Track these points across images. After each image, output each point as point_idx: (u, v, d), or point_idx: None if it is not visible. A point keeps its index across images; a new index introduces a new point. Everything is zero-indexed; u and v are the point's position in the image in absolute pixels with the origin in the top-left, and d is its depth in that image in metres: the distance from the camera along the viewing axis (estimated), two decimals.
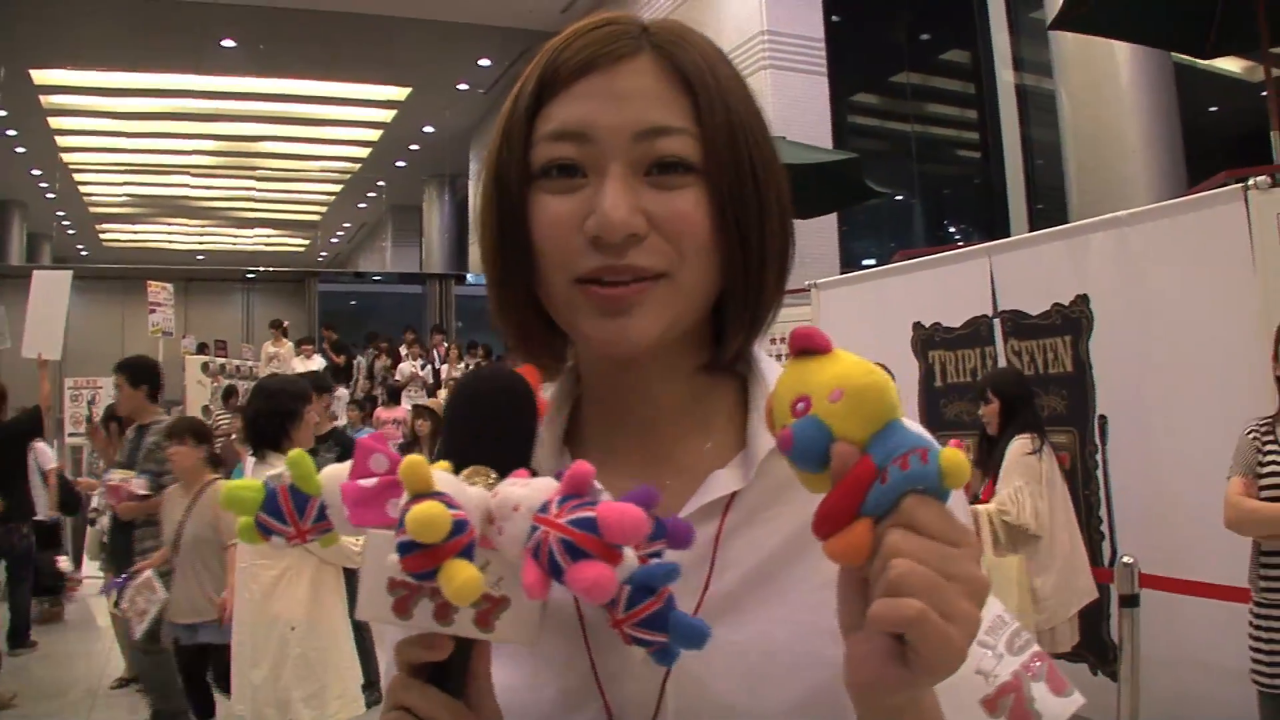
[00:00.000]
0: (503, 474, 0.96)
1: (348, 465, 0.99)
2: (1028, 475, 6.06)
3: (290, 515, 1.01)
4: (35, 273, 14.80)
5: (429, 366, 21.77)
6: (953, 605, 0.84)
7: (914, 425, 0.91)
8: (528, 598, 0.90)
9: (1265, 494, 4.91)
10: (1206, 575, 5.97)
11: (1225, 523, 5.05)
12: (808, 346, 0.93)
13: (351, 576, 5.48)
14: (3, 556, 10.95)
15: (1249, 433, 5.08)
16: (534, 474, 0.96)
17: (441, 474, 0.92)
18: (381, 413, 17.26)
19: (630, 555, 0.88)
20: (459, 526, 0.87)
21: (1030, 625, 5.94)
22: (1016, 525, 6.03)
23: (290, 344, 21.31)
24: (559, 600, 1.03)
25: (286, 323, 21.94)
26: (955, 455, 0.86)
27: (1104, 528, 6.81)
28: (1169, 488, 6.46)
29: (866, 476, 0.87)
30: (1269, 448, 4.96)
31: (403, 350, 23.07)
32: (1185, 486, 6.33)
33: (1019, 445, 6.17)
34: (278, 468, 5.33)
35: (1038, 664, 1.17)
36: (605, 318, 1.11)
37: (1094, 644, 6.72)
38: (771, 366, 1.26)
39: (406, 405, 19.06)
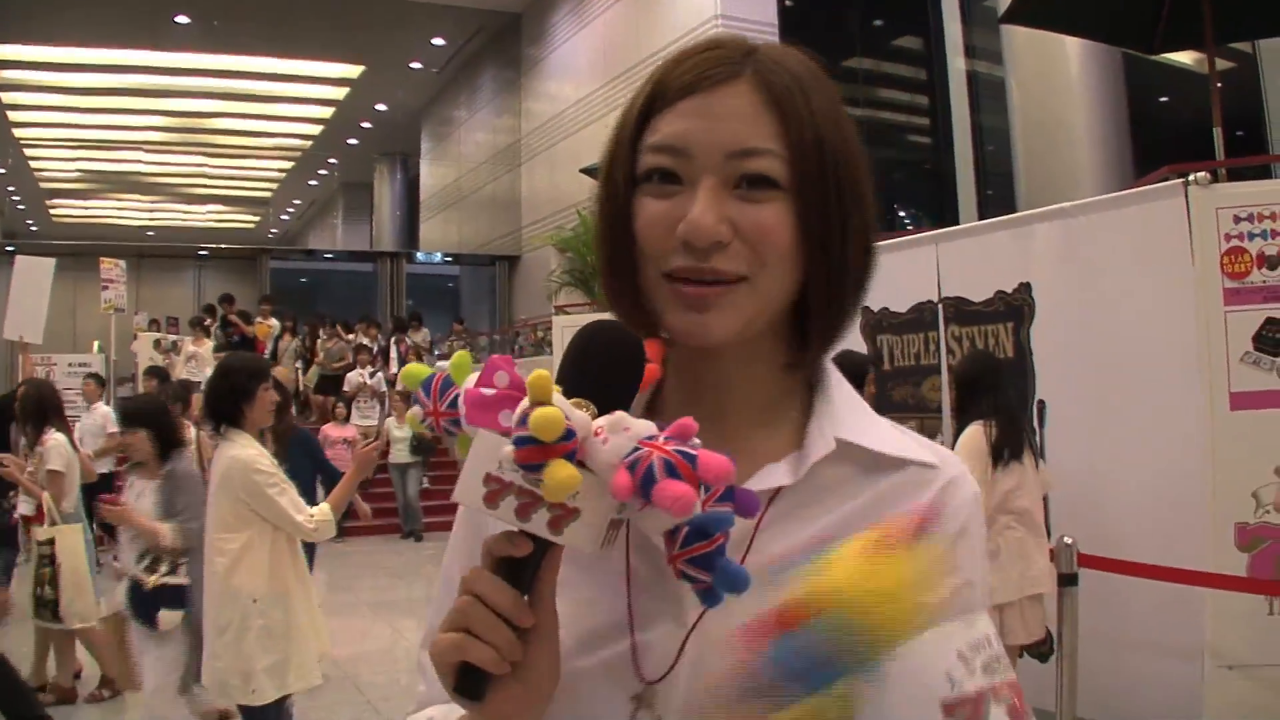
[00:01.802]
0: (601, 412, 1.10)
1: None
2: (973, 459, 6.14)
3: (434, 396, 1.18)
4: (18, 257, 14.82)
5: (378, 374, 20.14)
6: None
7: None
8: (614, 495, 1.04)
9: None
10: (1142, 556, 6.06)
11: None
12: None
13: (309, 550, 5.63)
14: None
15: None
16: None
17: (559, 398, 1.06)
18: (330, 430, 16.36)
19: (695, 504, 1.02)
20: (568, 434, 1.03)
21: None
22: None
23: (210, 344, 20.07)
24: (607, 556, 1.18)
25: (209, 321, 21.12)
26: None
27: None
28: (1105, 471, 6.61)
29: None
30: None
31: (352, 338, 22.34)
32: (1121, 470, 6.50)
33: (971, 431, 6.28)
34: (238, 443, 5.43)
35: (1006, 691, 1.28)
36: (687, 312, 1.24)
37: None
38: (838, 379, 1.40)
39: (357, 420, 18.60)
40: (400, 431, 16.49)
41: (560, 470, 1.02)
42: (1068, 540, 5.82)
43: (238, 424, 5.48)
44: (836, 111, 1.30)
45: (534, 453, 1.03)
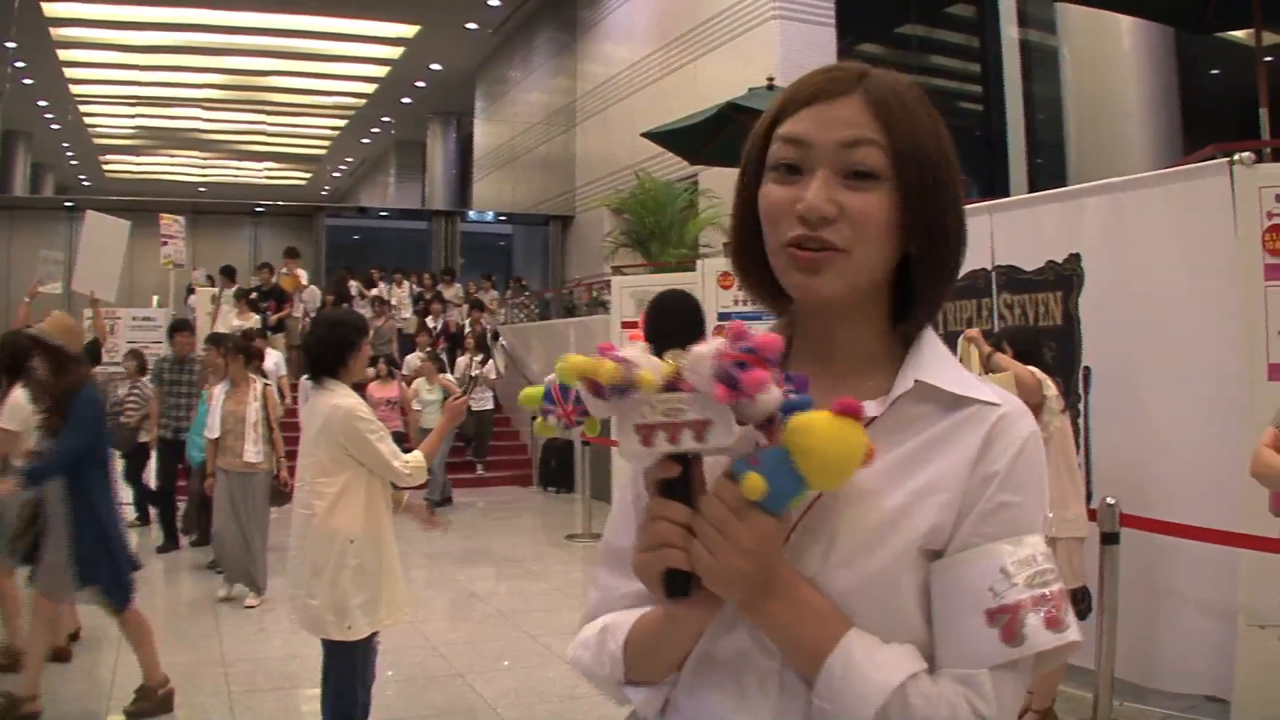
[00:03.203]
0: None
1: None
2: (1026, 391, 6.31)
3: (559, 400, 1.52)
4: (88, 213, 15.14)
5: (490, 362, 19.07)
6: (715, 549, 1.39)
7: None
8: (718, 402, 1.33)
9: None
10: (1180, 518, 6.25)
11: (1250, 471, 5.02)
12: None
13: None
14: None
15: None
16: None
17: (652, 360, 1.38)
18: (374, 391, 15.16)
19: (777, 392, 1.35)
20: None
21: None
22: (1033, 400, 6.25)
23: (256, 318, 19.11)
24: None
25: (253, 295, 20.45)
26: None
27: (1082, 472, 7.08)
28: (1147, 436, 6.84)
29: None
30: None
31: (376, 292, 22.43)
32: (1162, 435, 6.75)
33: (1027, 370, 6.44)
34: (338, 393, 5.67)
35: (1044, 602, 1.48)
36: (801, 273, 1.53)
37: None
38: (934, 340, 1.67)
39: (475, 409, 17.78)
40: (431, 394, 16.12)
41: (646, 375, 1.34)
42: (1110, 500, 6.05)
43: (337, 375, 5.71)
44: (932, 121, 1.60)
45: (754, 376, 1.32)
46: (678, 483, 1.43)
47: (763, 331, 1.43)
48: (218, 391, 10.78)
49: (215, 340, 12.13)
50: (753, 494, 1.35)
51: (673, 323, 1.43)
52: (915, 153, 1.54)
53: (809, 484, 1.36)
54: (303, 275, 21.70)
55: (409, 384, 16.47)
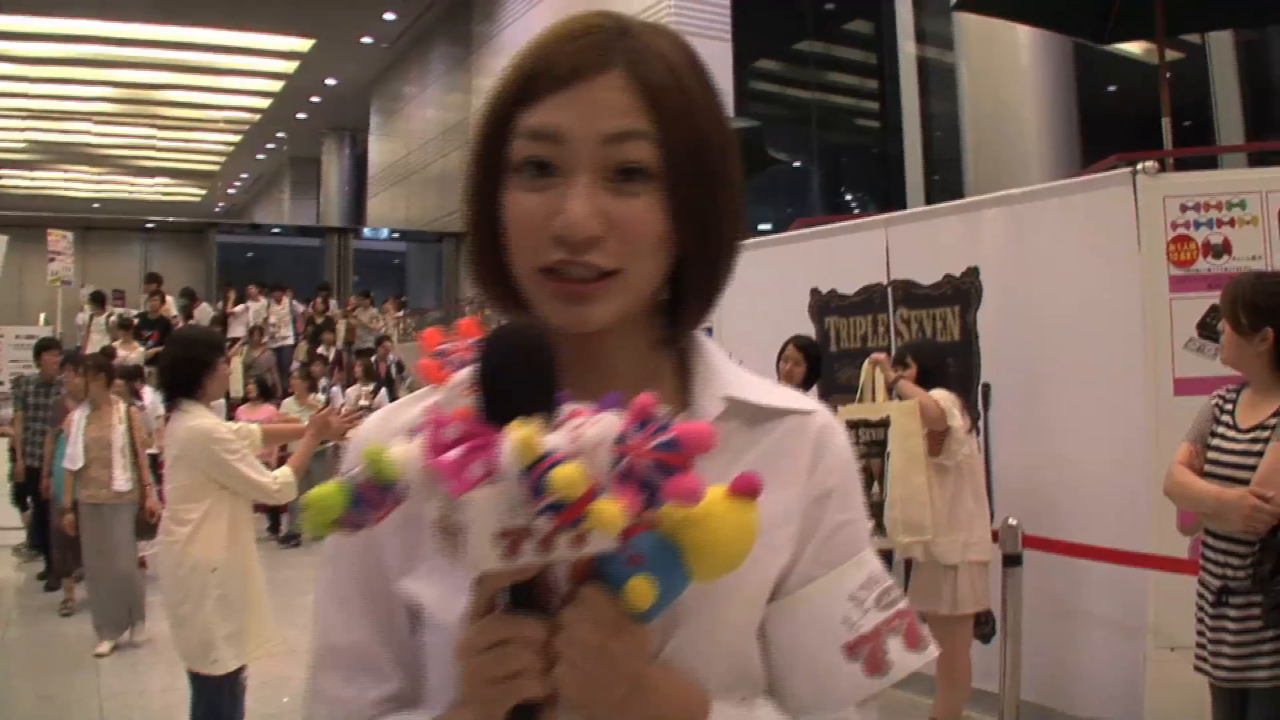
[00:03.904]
0: (547, 417, 1.09)
1: (409, 447, 1.10)
2: (956, 409, 6.21)
3: (376, 505, 1.12)
4: None
5: (381, 392, 17.30)
6: (588, 677, 1.12)
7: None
8: (625, 513, 1.03)
9: (1208, 467, 4.60)
10: (1086, 538, 6.17)
11: (1164, 490, 4.82)
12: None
13: (273, 515, 5.61)
14: None
15: (1212, 398, 4.73)
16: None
17: (538, 436, 1.04)
18: (244, 414, 12.90)
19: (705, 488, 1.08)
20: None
21: (923, 534, 6.14)
22: (937, 428, 6.18)
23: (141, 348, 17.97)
24: None
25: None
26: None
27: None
28: (1050, 454, 6.69)
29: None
30: (1224, 418, 4.61)
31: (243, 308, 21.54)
32: (1066, 453, 6.59)
33: (942, 392, 6.32)
34: (194, 414, 5.41)
35: (899, 621, 1.34)
36: (566, 305, 1.25)
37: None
38: (709, 342, 1.45)
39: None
40: (301, 415, 14.13)
41: (605, 511, 1.02)
42: (1012, 522, 5.90)
43: (193, 395, 5.48)
44: (708, 98, 1.33)
45: (571, 512, 1.02)
46: (527, 588, 1.14)
47: (677, 418, 1.12)
48: (76, 417, 9.51)
49: (71, 359, 11.44)
50: (641, 604, 1.09)
51: (519, 373, 1.12)
52: (691, 139, 1.28)
53: (695, 579, 1.12)
54: (170, 303, 20.92)
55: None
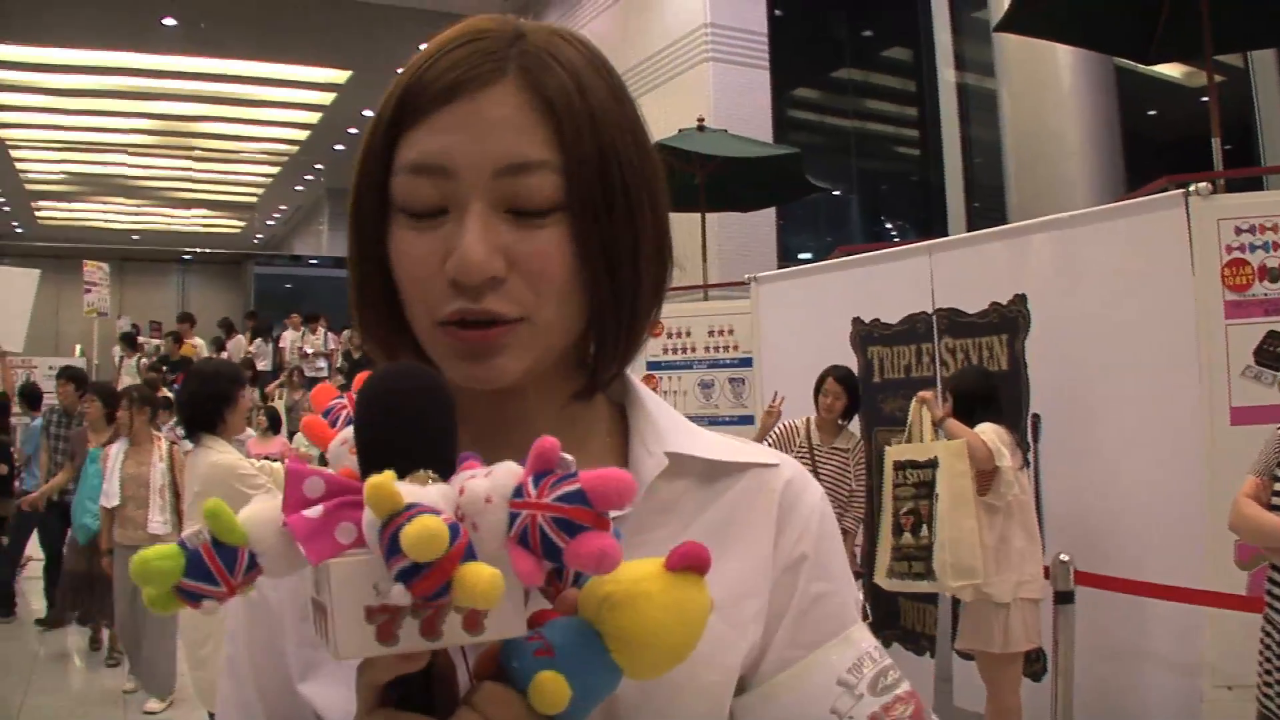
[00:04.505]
0: (441, 474, 0.91)
1: (266, 504, 0.92)
2: (1006, 448, 6.09)
3: (220, 573, 0.91)
4: (0, 269, 14.96)
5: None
6: None
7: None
8: (525, 584, 0.87)
9: (1276, 500, 4.47)
10: (1139, 573, 6.03)
11: (1229, 524, 4.71)
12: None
13: None
14: None
15: (1278, 428, 4.62)
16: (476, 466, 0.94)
17: (401, 485, 0.85)
18: (253, 446, 13.16)
19: (619, 550, 0.86)
20: (454, 531, 0.83)
21: (973, 578, 6.00)
22: (985, 468, 6.06)
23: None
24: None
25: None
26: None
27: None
28: (1102, 486, 6.51)
29: None
30: None
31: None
32: (1118, 485, 6.41)
33: (993, 426, 6.21)
34: (215, 449, 5.32)
35: (900, 707, 1.13)
36: (468, 362, 1.09)
37: None
38: (648, 393, 1.27)
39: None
40: (312, 451, 14.24)
41: (477, 578, 0.82)
42: (1064, 557, 5.77)
43: (214, 430, 5.38)
44: (620, 110, 1.15)
45: (431, 579, 0.82)
46: (413, 680, 0.92)
47: (589, 469, 0.90)
48: (114, 451, 8.91)
49: (97, 391, 11.04)
50: (554, 705, 0.89)
51: (402, 416, 0.94)
52: (601, 160, 1.10)
53: (629, 674, 0.92)
54: (200, 346, 20.80)
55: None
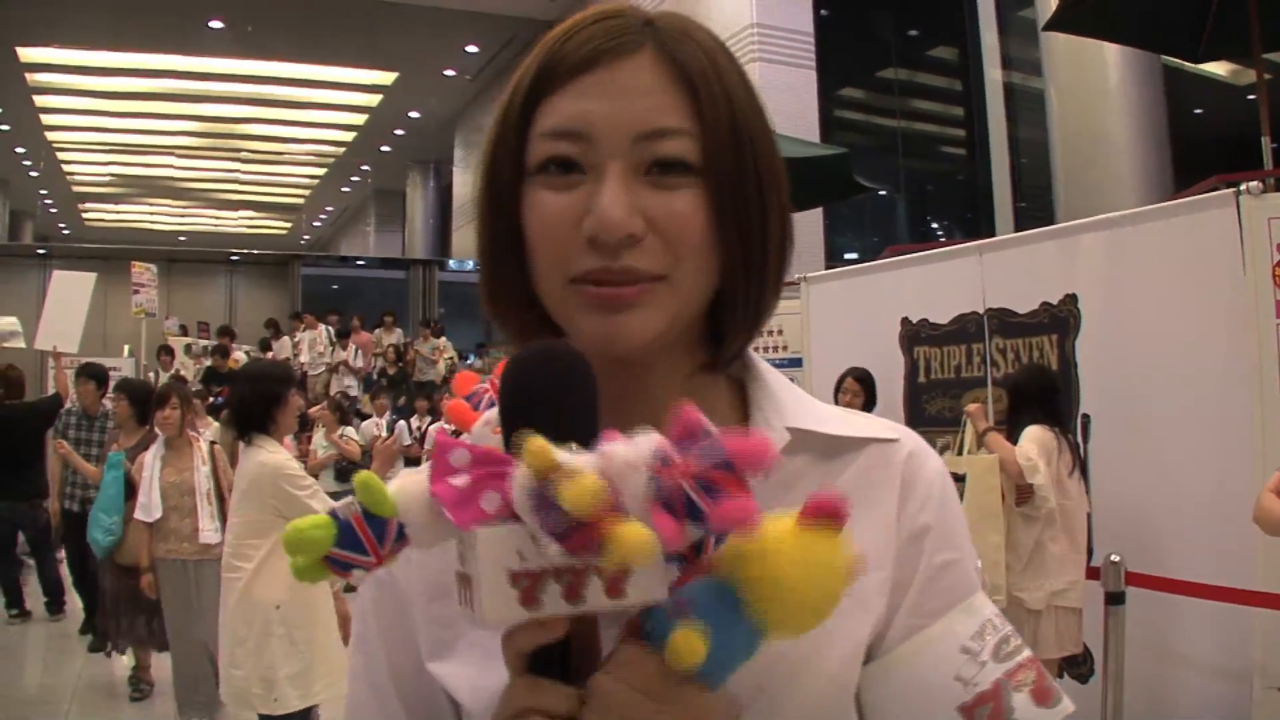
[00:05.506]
0: (585, 446, 0.90)
1: (413, 476, 0.94)
2: (1044, 455, 6.08)
3: (370, 544, 0.95)
4: (56, 273, 15.33)
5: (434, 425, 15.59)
6: None
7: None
8: (667, 548, 0.86)
9: None
10: (1189, 574, 5.99)
11: (1252, 516, 4.78)
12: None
13: None
14: (25, 530, 11.26)
15: None
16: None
17: (556, 451, 0.87)
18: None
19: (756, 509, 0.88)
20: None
21: (998, 593, 5.99)
22: (1020, 483, 6.06)
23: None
24: None
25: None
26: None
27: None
28: (1152, 487, 6.48)
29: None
30: None
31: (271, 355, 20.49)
32: (1169, 486, 6.37)
33: (1038, 430, 6.22)
34: (266, 449, 5.37)
35: (1023, 674, 1.14)
36: (602, 314, 1.09)
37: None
38: (769, 368, 1.28)
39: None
40: (327, 451, 13.91)
41: (629, 534, 0.83)
42: (1115, 558, 5.76)
43: (266, 430, 5.43)
44: (746, 85, 1.19)
45: (585, 535, 0.84)
46: (553, 649, 0.93)
47: (736, 430, 0.91)
48: (149, 459, 7.97)
49: (162, 394, 8.95)
50: (689, 660, 0.88)
51: (546, 391, 0.95)
52: (734, 130, 1.13)
53: (769, 633, 0.90)
54: (241, 360, 20.66)
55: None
